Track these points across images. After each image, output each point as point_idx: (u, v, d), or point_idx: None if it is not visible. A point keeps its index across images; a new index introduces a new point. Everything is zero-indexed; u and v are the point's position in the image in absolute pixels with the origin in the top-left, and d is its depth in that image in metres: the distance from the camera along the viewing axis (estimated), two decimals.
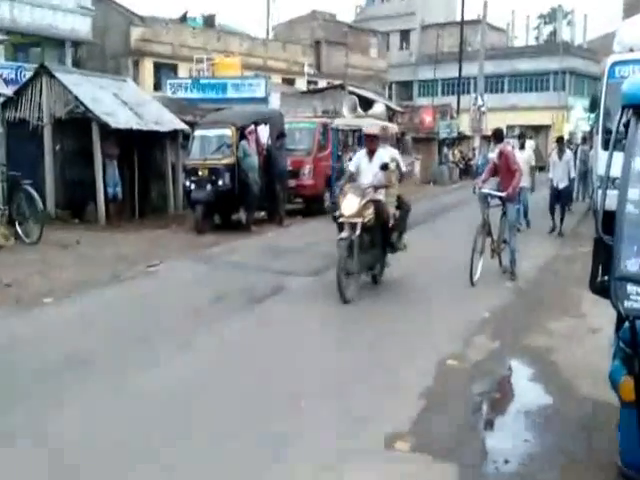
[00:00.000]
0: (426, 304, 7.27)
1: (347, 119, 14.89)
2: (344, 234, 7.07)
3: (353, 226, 7.07)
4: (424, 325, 6.45)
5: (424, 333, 6.18)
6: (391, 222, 7.63)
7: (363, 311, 6.91)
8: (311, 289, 8.05)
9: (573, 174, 12.78)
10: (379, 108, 16.31)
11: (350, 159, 14.34)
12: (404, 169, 9.17)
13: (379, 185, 7.44)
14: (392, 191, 7.76)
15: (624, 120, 3.44)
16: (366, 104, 26.15)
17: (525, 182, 11.21)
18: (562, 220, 12.49)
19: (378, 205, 7.36)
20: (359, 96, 25.41)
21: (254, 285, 7.98)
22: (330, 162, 16.04)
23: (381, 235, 7.55)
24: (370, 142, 7.71)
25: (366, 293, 7.66)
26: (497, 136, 8.80)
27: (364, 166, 7.62)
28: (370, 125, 14.40)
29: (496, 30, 53.88)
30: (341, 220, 7.16)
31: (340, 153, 14.75)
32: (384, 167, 7.40)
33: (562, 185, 12.40)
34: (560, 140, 13.16)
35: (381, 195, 7.51)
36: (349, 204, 7.08)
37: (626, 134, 3.36)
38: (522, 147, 12.59)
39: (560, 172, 12.42)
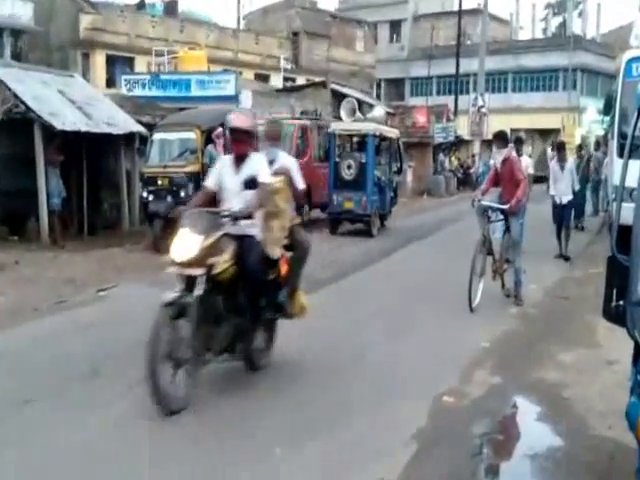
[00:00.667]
0: (419, 332, 7.29)
1: (345, 123, 15.57)
2: (170, 295, 5.07)
3: (190, 281, 5.12)
4: (417, 356, 6.46)
5: (417, 365, 6.19)
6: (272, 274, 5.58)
7: (347, 340, 6.91)
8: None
9: (577, 185, 12.36)
10: (379, 112, 16.67)
11: (349, 167, 14.97)
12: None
13: (244, 213, 5.26)
14: (276, 223, 5.59)
15: None
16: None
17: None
18: (567, 241, 12.28)
19: (245, 244, 5.28)
20: (343, 95, 25.67)
21: None
22: (310, 169, 16.10)
23: (249, 294, 5.38)
24: (237, 142, 5.61)
25: (352, 320, 7.67)
26: (501, 139, 8.86)
27: (228, 180, 5.56)
28: (367, 129, 14.97)
29: (498, 21, 54.79)
30: (170, 270, 5.26)
31: (338, 160, 15.33)
32: (250, 184, 5.35)
33: (566, 199, 12.08)
34: (561, 146, 12.61)
35: (254, 228, 5.42)
36: (184, 244, 5.16)
37: None
38: (518, 153, 12.42)
39: (563, 186, 12.01)
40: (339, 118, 23.52)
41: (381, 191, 15.62)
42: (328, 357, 6.38)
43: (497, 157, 8.84)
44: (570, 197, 12.11)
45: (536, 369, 6.12)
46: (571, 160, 12.85)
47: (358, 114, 15.77)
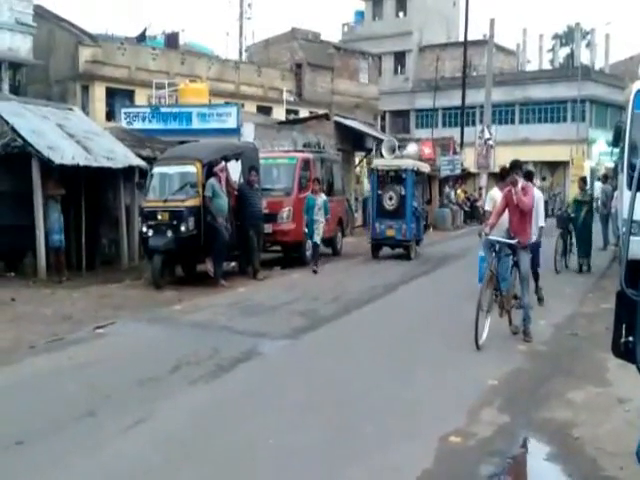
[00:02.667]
0: (424, 370, 7.29)
1: (386, 160, 18.17)
2: None
3: None
4: (422, 395, 6.45)
5: (422, 405, 6.18)
6: None
7: (351, 378, 6.91)
8: (289, 354, 8.06)
9: (541, 222, 10.33)
10: (413, 148, 19.76)
11: (390, 198, 17.30)
12: None
13: None
14: None
15: None
16: (356, 137, 26.66)
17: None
18: (537, 287, 11.15)
19: None
20: (347, 127, 25.93)
21: (222, 350, 7.97)
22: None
23: None
24: None
25: (358, 356, 7.68)
26: (519, 167, 8.90)
27: None
28: (406, 165, 17.45)
29: (505, 52, 55.47)
30: None
31: (380, 192, 17.57)
32: None
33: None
34: (529, 176, 10.57)
35: None
36: None
37: None
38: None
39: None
40: (343, 150, 23.84)
41: (417, 220, 17.83)
42: (330, 393, 6.39)
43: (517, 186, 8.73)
44: (534, 238, 9.87)
45: (545, 408, 6.11)
46: (538, 192, 10.63)
47: (397, 152, 18.38)
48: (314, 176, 16.21)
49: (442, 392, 6.55)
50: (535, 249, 10.38)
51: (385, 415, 5.87)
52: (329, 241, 17.74)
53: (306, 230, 14.89)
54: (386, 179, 17.68)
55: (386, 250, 17.90)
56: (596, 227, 19.10)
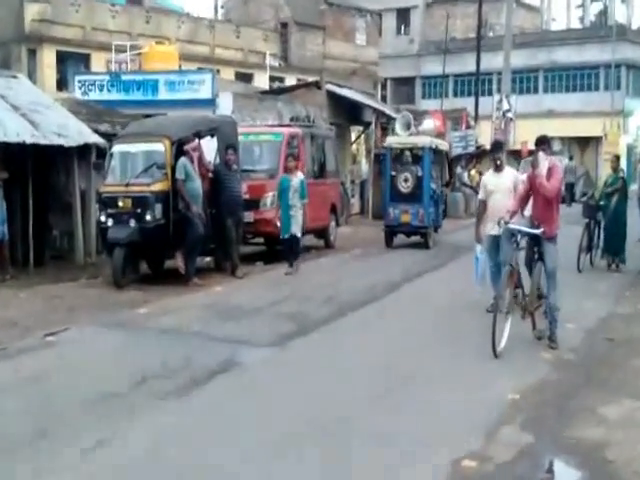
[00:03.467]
0: (432, 383, 7.32)
1: (401, 137, 18.85)
2: None
3: None
4: (430, 413, 6.47)
5: (431, 424, 6.20)
6: None
7: (347, 393, 6.92)
8: (273, 365, 8.06)
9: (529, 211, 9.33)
10: (429, 124, 20.77)
11: (405, 180, 18.00)
12: None
13: None
14: None
15: None
16: (352, 109, 26.63)
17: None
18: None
19: None
20: (341, 97, 25.89)
21: (195, 360, 7.95)
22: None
23: None
24: None
25: (354, 367, 7.70)
26: (547, 143, 8.91)
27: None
28: (423, 142, 18.17)
29: (527, 8, 55.58)
30: None
31: (394, 173, 18.20)
32: None
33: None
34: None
35: None
36: None
37: None
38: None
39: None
40: (336, 125, 23.83)
41: (435, 204, 18.34)
42: (322, 410, 6.40)
43: (543, 166, 8.71)
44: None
45: (574, 426, 6.14)
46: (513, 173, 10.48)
47: (413, 128, 19.02)
48: (301, 155, 16.20)
49: (454, 408, 6.56)
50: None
51: (387, 437, 5.87)
52: (321, 232, 17.75)
53: (278, 223, 14.15)
54: (401, 159, 18.27)
55: (399, 240, 18.48)
56: (632, 215, 19.22)
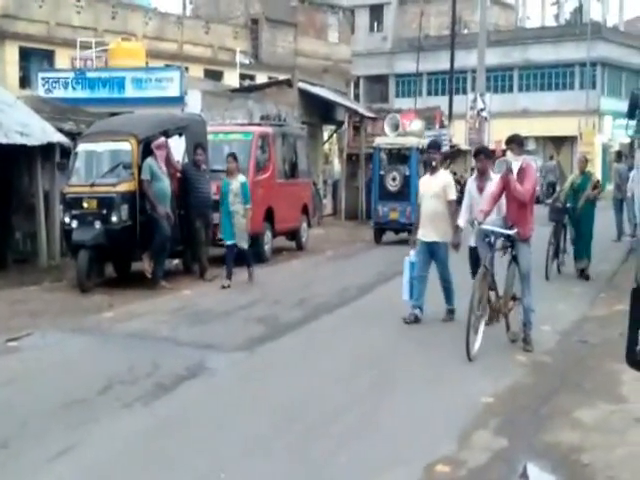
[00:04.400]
0: (405, 386, 7.34)
1: (389, 138, 19.95)
2: None
3: None
4: (403, 417, 6.50)
5: (404, 428, 6.21)
6: None
7: (319, 398, 6.93)
8: (243, 370, 8.06)
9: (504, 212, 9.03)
10: (417, 125, 21.62)
11: (394, 179, 19.20)
12: None
13: None
14: None
15: None
16: (324, 108, 26.65)
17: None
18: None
19: None
20: (313, 96, 25.91)
21: (163, 365, 7.92)
22: (272, 187, 16.22)
23: None
24: None
25: (326, 371, 7.70)
26: (518, 144, 8.97)
27: None
28: (410, 143, 19.26)
29: (501, 5, 55.97)
30: None
31: (383, 172, 19.46)
32: None
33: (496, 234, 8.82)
34: (480, 153, 9.93)
35: None
36: None
37: None
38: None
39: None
40: (308, 124, 23.85)
41: None
42: (294, 416, 6.40)
43: (514, 166, 8.81)
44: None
45: (549, 430, 6.18)
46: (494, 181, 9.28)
47: (401, 129, 20.09)
48: (272, 155, 16.21)
49: (427, 413, 6.59)
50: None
51: (360, 442, 5.89)
52: (292, 233, 17.75)
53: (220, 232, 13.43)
54: (389, 158, 19.80)
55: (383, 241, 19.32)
56: (608, 217, 19.45)
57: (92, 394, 7.01)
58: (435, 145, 10.97)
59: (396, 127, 20.04)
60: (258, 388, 7.33)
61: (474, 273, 8.89)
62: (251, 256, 13.47)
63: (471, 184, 9.90)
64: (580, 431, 6.13)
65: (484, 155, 9.79)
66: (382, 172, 19.51)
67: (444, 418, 6.41)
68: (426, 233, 9.88)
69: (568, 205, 13.70)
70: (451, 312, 10.06)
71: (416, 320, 9.85)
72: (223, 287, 12.63)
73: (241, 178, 13.25)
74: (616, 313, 9.93)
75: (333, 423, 6.30)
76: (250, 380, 7.66)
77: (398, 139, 19.68)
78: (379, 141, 20.45)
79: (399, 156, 19.45)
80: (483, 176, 9.64)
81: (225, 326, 9.95)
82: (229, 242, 13.03)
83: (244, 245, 13.07)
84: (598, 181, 14.47)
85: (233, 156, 13.44)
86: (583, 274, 13.61)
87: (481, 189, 9.57)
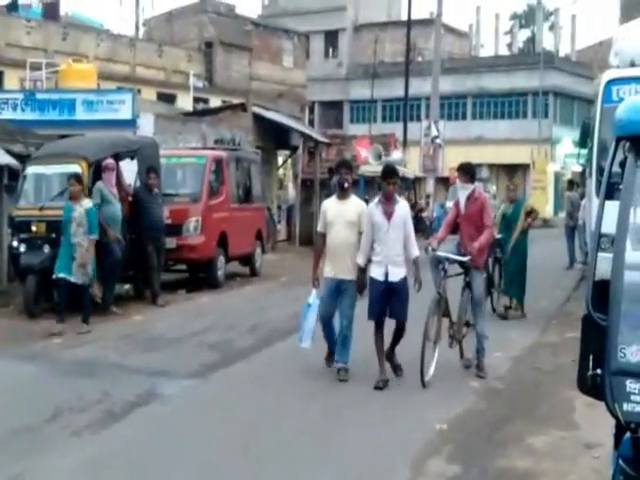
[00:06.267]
0: (359, 413, 7.36)
1: (372, 166, 23.37)
2: None
3: None
4: (356, 443, 6.52)
5: (357, 455, 6.24)
6: None
7: (272, 425, 6.92)
8: (196, 397, 8.01)
9: (414, 251, 8.36)
10: (397, 155, 25.80)
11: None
12: None
13: None
14: None
15: (619, 157, 3.64)
16: (279, 133, 26.74)
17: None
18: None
19: None
20: (268, 121, 25.99)
21: (113, 393, 7.86)
22: (226, 212, 16.21)
23: None
24: None
25: (279, 398, 7.69)
26: (466, 172, 9.06)
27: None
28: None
29: (455, 34, 56.79)
30: None
31: (367, 197, 18.74)
32: None
33: (397, 276, 8.25)
34: (387, 176, 8.43)
35: None
36: None
37: (622, 176, 3.55)
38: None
39: (393, 250, 8.23)
40: (263, 148, 23.95)
41: None
42: (246, 443, 6.38)
43: (461, 194, 9.01)
44: (404, 273, 8.29)
45: (502, 456, 6.25)
46: (405, 204, 8.66)
47: (383, 158, 23.65)
48: (226, 179, 16.24)
49: (381, 439, 6.62)
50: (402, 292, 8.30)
51: (314, 468, 5.91)
52: (246, 259, 17.72)
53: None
54: (372, 184, 22.32)
55: None
56: (562, 244, 19.78)
57: (40, 422, 6.93)
58: (346, 164, 9.39)
59: (379, 156, 24.04)
60: (211, 416, 7.30)
61: (376, 313, 8.20)
62: (89, 297, 11.52)
63: (374, 210, 8.27)
64: (533, 457, 6.22)
65: (397, 177, 8.53)
66: (367, 197, 19.73)
67: (398, 444, 6.45)
68: (335, 269, 8.49)
69: (499, 236, 12.19)
70: (345, 372, 8.51)
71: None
72: (53, 334, 10.80)
73: (86, 203, 11.36)
74: (568, 340, 10.07)
75: (286, 450, 6.30)
76: (203, 408, 7.62)
77: (380, 167, 20.39)
78: (364, 169, 24.25)
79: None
80: (389, 200, 8.23)
81: (177, 352, 9.89)
82: (60, 275, 11.10)
83: (85, 281, 11.24)
84: (532, 208, 13.27)
85: (76, 177, 11.58)
86: (508, 311, 12.52)
87: (389, 215, 8.14)
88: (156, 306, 13.31)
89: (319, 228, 8.83)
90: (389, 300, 8.23)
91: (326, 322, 8.76)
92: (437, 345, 8.51)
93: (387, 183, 8.25)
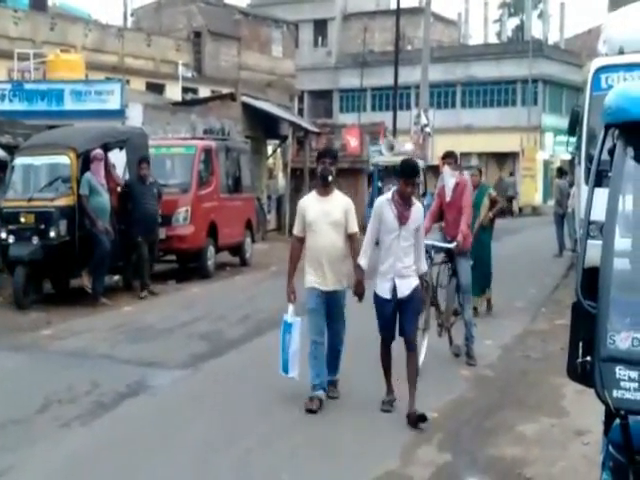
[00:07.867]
0: (349, 401, 7.37)
1: (386, 157, 24.79)
2: None
3: None
4: (347, 431, 6.53)
5: (347, 442, 6.25)
6: None
7: (263, 415, 6.91)
8: (186, 387, 8.02)
9: (424, 265, 7.40)
10: (409, 146, 26.74)
11: (389, 190, 20.61)
12: None
13: None
14: None
15: (608, 145, 3.64)
16: (268, 122, 26.69)
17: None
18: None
19: None
20: (257, 110, 25.94)
21: (102, 384, 7.85)
22: (215, 202, 16.18)
23: None
24: None
25: (271, 388, 7.69)
26: (453, 158, 9.11)
27: None
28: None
29: (444, 22, 56.68)
30: None
31: (380, 185, 23.20)
32: None
33: (407, 290, 7.00)
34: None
35: None
36: None
37: (611, 164, 3.57)
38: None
39: (386, 263, 7.14)
40: (252, 138, 23.88)
41: None
42: (237, 433, 6.37)
43: (449, 182, 9.02)
44: (416, 283, 7.07)
45: (492, 444, 6.27)
46: (420, 208, 7.20)
47: (396, 149, 24.85)
48: (215, 169, 16.18)
49: (371, 427, 6.63)
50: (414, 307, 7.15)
51: (302, 458, 5.91)
52: (235, 249, 17.69)
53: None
54: (385, 174, 23.84)
55: None
56: (550, 231, 19.82)
57: (29, 414, 6.91)
58: (329, 153, 7.93)
59: (392, 147, 25.12)
60: (201, 406, 7.29)
61: (385, 332, 7.16)
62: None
63: (386, 207, 6.99)
64: (523, 445, 6.23)
65: (418, 177, 7.85)
66: (380, 184, 23.43)
67: (387, 433, 6.46)
68: (320, 279, 7.33)
69: None
70: (334, 385, 7.58)
71: (320, 406, 7.07)
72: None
73: None
74: (557, 327, 10.11)
75: (277, 440, 6.30)
76: (193, 398, 7.60)
77: (393, 158, 23.11)
78: (377, 159, 25.77)
79: (394, 172, 21.09)
80: (405, 202, 6.91)
81: (167, 343, 9.87)
82: None
83: None
84: (495, 198, 11.95)
85: None
86: (482, 309, 11.63)
87: (403, 219, 6.90)
88: (147, 295, 13.25)
89: (296, 231, 7.53)
90: (399, 316, 7.03)
91: (319, 341, 7.40)
92: (426, 333, 8.52)
93: (406, 184, 6.82)
